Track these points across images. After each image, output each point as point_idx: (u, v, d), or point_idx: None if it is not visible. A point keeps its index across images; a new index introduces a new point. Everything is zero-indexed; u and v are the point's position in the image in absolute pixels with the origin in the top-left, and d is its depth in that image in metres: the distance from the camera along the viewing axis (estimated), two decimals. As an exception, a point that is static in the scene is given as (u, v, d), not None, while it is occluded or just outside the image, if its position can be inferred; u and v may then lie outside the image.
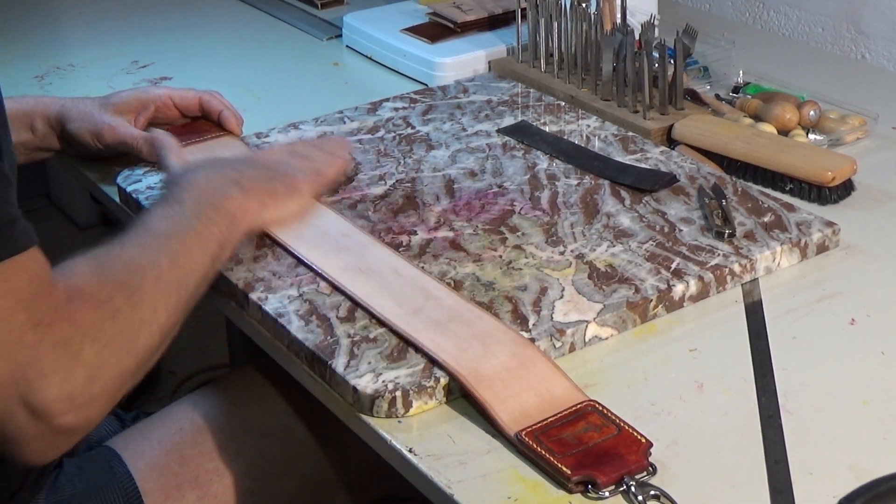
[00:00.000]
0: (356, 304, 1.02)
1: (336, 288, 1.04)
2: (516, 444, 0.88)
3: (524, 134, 1.33)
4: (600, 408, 0.90)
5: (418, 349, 0.96)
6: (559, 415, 0.89)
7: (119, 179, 1.25)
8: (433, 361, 0.94)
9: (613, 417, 0.89)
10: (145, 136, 1.24)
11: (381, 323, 0.99)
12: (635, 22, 1.44)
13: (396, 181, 1.24)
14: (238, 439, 1.17)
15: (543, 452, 0.86)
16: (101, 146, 1.26)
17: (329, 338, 0.98)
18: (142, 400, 2.17)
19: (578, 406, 0.90)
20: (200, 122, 1.34)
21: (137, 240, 0.98)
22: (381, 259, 1.08)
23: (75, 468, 1.12)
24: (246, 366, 1.27)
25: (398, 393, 0.92)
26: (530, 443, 0.86)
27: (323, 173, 1.18)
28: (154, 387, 2.24)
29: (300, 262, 1.08)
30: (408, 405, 0.92)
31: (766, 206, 1.17)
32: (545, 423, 0.88)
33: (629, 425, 0.88)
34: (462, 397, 0.93)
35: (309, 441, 1.19)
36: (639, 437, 0.87)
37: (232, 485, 1.15)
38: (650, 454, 0.86)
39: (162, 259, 0.96)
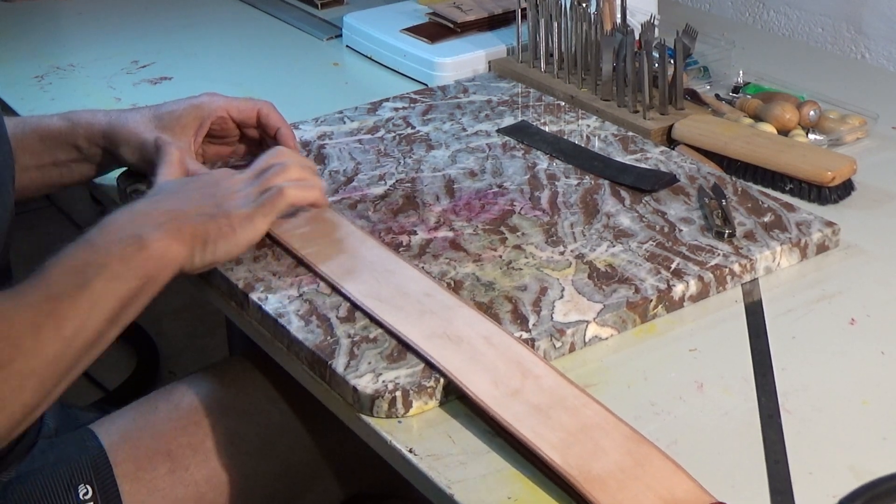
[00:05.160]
0: (448, 380, 0.93)
1: (424, 359, 0.95)
2: None
3: (524, 134, 1.33)
4: None
5: (519, 441, 0.87)
6: None
7: (119, 179, 1.25)
8: (536, 457, 0.86)
9: None
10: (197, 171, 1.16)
11: (473, 404, 0.91)
12: (635, 22, 1.45)
13: (396, 181, 1.24)
14: (214, 418, 1.16)
15: None
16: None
17: (329, 338, 0.98)
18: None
19: None
20: None
21: (25, 298, 0.92)
22: (469, 324, 0.98)
23: (49, 445, 1.13)
24: (234, 357, 1.26)
25: (398, 393, 0.92)
26: None
27: (282, 201, 1.06)
28: (154, 387, 2.24)
29: (376, 321, 1.00)
30: (408, 405, 0.92)
31: (766, 206, 1.17)
32: None
33: None
34: (457, 399, 0.94)
35: (287, 426, 1.18)
36: None
37: (205, 460, 1.14)
38: None
39: (47, 323, 0.91)
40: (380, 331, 0.99)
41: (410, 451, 0.89)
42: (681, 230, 1.13)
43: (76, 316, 0.93)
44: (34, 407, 0.92)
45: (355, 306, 1.02)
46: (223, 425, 1.16)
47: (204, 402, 1.17)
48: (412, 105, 1.42)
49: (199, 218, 1.02)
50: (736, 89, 1.45)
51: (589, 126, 1.36)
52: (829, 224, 1.14)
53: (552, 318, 1.00)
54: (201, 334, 2.36)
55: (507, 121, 1.37)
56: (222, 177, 1.09)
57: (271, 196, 1.05)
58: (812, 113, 1.35)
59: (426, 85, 1.52)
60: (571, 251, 1.10)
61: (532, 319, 1.00)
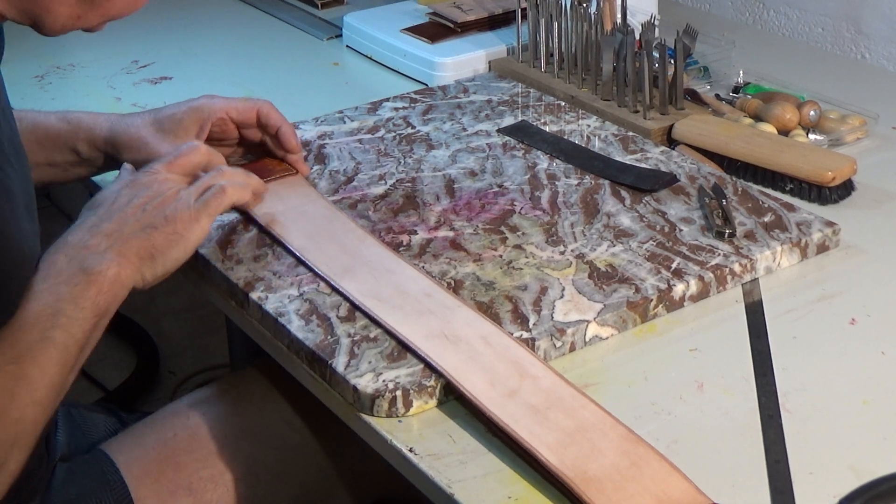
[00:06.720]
0: (447, 380, 0.93)
1: (422, 359, 0.95)
2: None
3: (524, 134, 1.33)
4: None
5: (516, 441, 0.87)
6: None
7: (119, 179, 1.25)
8: (532, 457, 0.86)
9: None
10: None
11: (469, 404, 0.91)
12: (635, 22, 1.44)
13: (397, 181, 1.24)
14: (232, 446, 1.16)
15: None
16: None
17: (329, 337, 0.98)
18: (142, 400, 2.17)
19: None
20: (264, 162, 1.24)
21: None
22: (468, 324, 0.98)
23: (68, 473, 1.12)
24: (245, 369, 1.26)
25: (398, 392, 0.92)
26: None
27: (225, 199, 1.04)
28: (154, 387, 2.24)
29: (375, 321, 1.00)
30: (408, 404, 0.92)
31: (766, 205, 1.17)
32: None
33: None
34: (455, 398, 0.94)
35: (305, 447, 1.18)
36: None
37: (226, 492, 1.14)
38: None
39: (19, 388, 0.90)
40: (380, 330, 0.99)
41: (411, 450, 0.89)
42: (681, 230, 1.13)
43: (44, 374, 0.91)
44: (14, 472, 0.90)
45: (354, 306, 1.02)
46: (242, 453, 1.16)
47: (222, 427, 1.17)
48: (412, 105, 1.42)
49: (143, 233, 0.99)
50: (736, 89, 1.45)
51: (589, 126, 1.36)
52: (830, 224, 1.14)
53: (552, 317, 1.00)
54: (201, 334, 2.36)
55: (508, 121, 1.37)
56: (150, 180, 1.04)
57: (215, 194, 1.03)
58: (812, 113, 1.35)
59: (426, 85, 1.52)
60: (572, 251, 1.10)
61: (532, 319, 1.00)
